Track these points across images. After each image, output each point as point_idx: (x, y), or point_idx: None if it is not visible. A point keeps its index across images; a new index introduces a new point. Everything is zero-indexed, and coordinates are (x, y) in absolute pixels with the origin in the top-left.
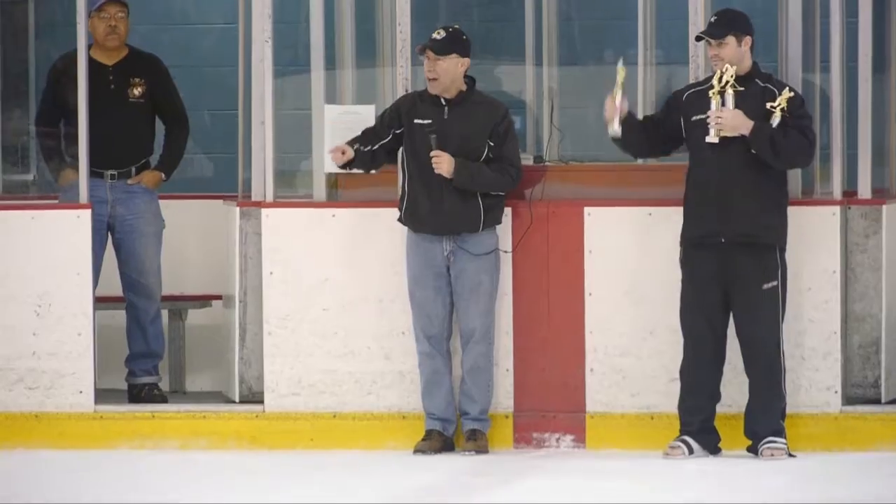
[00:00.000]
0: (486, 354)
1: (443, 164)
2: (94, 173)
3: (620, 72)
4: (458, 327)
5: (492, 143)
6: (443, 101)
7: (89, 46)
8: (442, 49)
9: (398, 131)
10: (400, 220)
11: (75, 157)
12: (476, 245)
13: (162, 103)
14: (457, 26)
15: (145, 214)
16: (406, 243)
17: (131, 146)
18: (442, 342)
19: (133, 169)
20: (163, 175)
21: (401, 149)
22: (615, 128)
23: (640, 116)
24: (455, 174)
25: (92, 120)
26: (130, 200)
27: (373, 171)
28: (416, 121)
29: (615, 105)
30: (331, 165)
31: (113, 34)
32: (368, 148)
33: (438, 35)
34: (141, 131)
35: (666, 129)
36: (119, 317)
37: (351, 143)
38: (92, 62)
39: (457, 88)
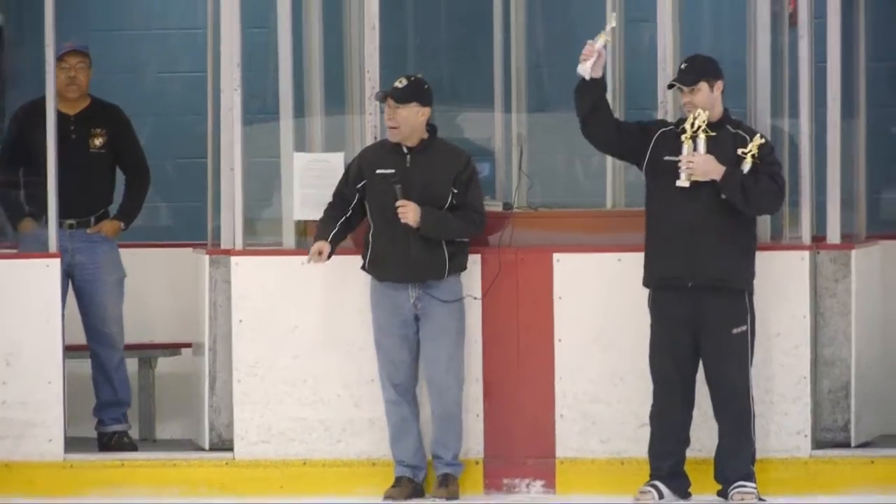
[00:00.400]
0: (456, 400)
1: (409, 213)
2: (59, 225)
3: (611, 20)
4: (424, 373)
5: (455, 191)
6: (405, 149)
7: None
8: (402, 97)
9: (360, 185)
10: (363, 268)
11: (34, 206)
12: (443, 292)
13: (123, 153)
14: (419, 75)
15: (105, 263)
16: (370, 292)
17: (91, 196)
18: (409, 390)
19: (92, 218)
20: (122, 224)
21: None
22: (586, 67)
23: None
24: (421, 223)
25: (65, 171)
26: (90, 249)
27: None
28: (378, 171)
29: (593, 48)
30: (300, 213)
31: (73, 84)
32: (343, 217)
33: (400, 84)
34: (101, 181)
35: (630, 138)
36: (87, 365)
37: (323, 229)
38: (61, 114)
39: (418, 137)
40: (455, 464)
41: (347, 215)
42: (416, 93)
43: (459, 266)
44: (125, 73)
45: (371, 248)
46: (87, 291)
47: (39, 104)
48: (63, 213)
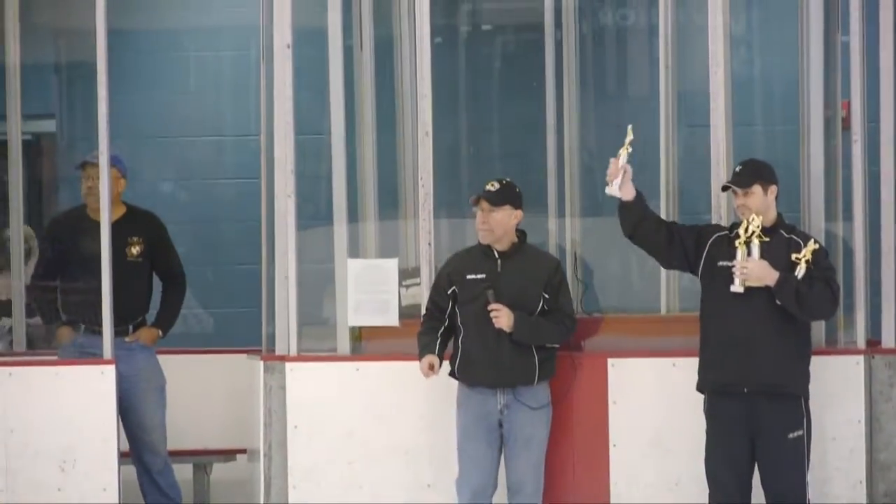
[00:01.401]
0: None
1: (502, 317)
2: (92, 331)
3: (629, 133)
4: (507, 478)
5: (546, 296)
6: (496, 254)
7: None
8: (497, 200)
9: (451, 291)
10: (452, 374)
11: (70, 314)
12: (531, 398)
13: (159, 261)
14: (509, 179)
15: (143, 371)
16: (458, 398)
17: (128, 305)
18: (485, 495)
19: (130, 327)
20: (160, 332)
21: None
22: (614, 189)
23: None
24: (515, 327)
25: (89, 279)
26: (129, 358)
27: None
28: (468, 276)
29: (617, 166)
30: (354, 319)
31: (90, 195)
32: (442, 327)
33: (492, 187)
34: (138, 289)
35: (683, 245)
36: None
37: (426, 343)
38: (88, 220)
39: (509, 241)
40: None
41: (445, 324)
42: (509, 196)
43: (549, 372)
44: (177, 179)
45: (461, 353)
46: (127, 400)
47: (72, 214)
48: (101, 322)
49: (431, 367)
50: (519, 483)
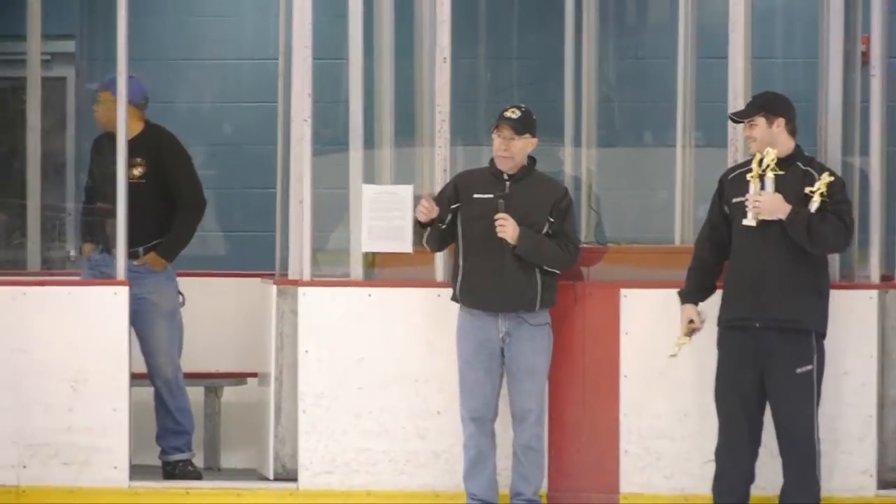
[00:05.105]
0: (540, 436)
1: (508, 228)
2: (104, 250)
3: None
4: (511, 406)
5: (552, 220)
6: (505, 176)
7: None
8: (520, 129)
9: (455, 206)
10: (454, 298)
11: (94, 233)
12: (533, 319)
13: (168, 182)
14: (526, 106)
15: (151, 295)
16: (458, 324)
17: (134, 228)
18: (487, 423)
19: (140, 249)
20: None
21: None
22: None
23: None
24: (519, 241)
25: (104, 198)
26: (137, 281)
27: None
28: (475, 196)
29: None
30: (368, 245)
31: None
32: (442, 226)
33: (514, 114)
34: (144, 212)
35: (725, 225)
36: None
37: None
38: (111, 143)
39: (520, 165)
40: (535, 500)
41: (443, 227)
42: (529, 124)
43: (549, 301)
44: (196, 102)
45: (462, 274)
46: (135, 322)
47: (102, 136)
48: (112, 243)
49: (429, 208)
50: (524, 411)
